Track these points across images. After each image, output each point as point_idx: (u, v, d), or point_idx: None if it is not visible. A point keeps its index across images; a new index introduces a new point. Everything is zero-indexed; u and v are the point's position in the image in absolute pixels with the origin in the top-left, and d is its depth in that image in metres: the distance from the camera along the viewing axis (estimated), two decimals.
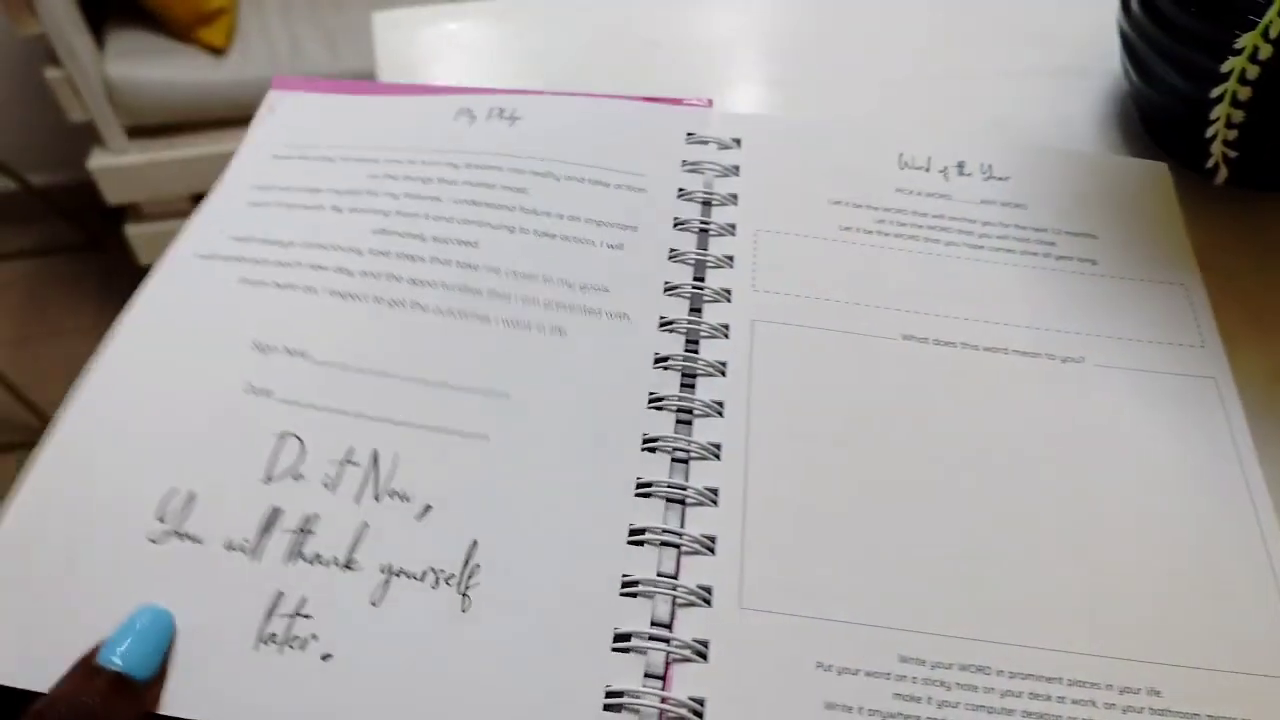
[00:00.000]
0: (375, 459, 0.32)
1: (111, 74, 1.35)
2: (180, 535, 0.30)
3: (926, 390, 0.35)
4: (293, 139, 0.43)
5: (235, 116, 1.42)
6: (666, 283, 0.37)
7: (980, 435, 0.34)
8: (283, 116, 0.44)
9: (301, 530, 0.31)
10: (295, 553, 0.30)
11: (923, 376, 0.35)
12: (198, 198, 1.30)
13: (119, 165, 1.41)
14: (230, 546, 0.30)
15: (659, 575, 0.30)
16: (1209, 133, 0.40)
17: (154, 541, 0.30)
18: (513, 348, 0.35)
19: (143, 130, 1.42)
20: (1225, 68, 0.38)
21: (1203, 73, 0.40)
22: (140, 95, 1.37)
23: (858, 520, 0.32)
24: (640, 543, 0.31)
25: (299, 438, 0.33)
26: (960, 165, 0.42)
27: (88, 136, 1.41)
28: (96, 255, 1.76)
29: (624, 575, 0.30)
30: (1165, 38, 0.42)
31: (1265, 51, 0.37)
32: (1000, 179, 0.42)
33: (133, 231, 1.50)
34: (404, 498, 0.32)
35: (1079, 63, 0.51)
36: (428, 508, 0.31)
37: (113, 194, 1.45)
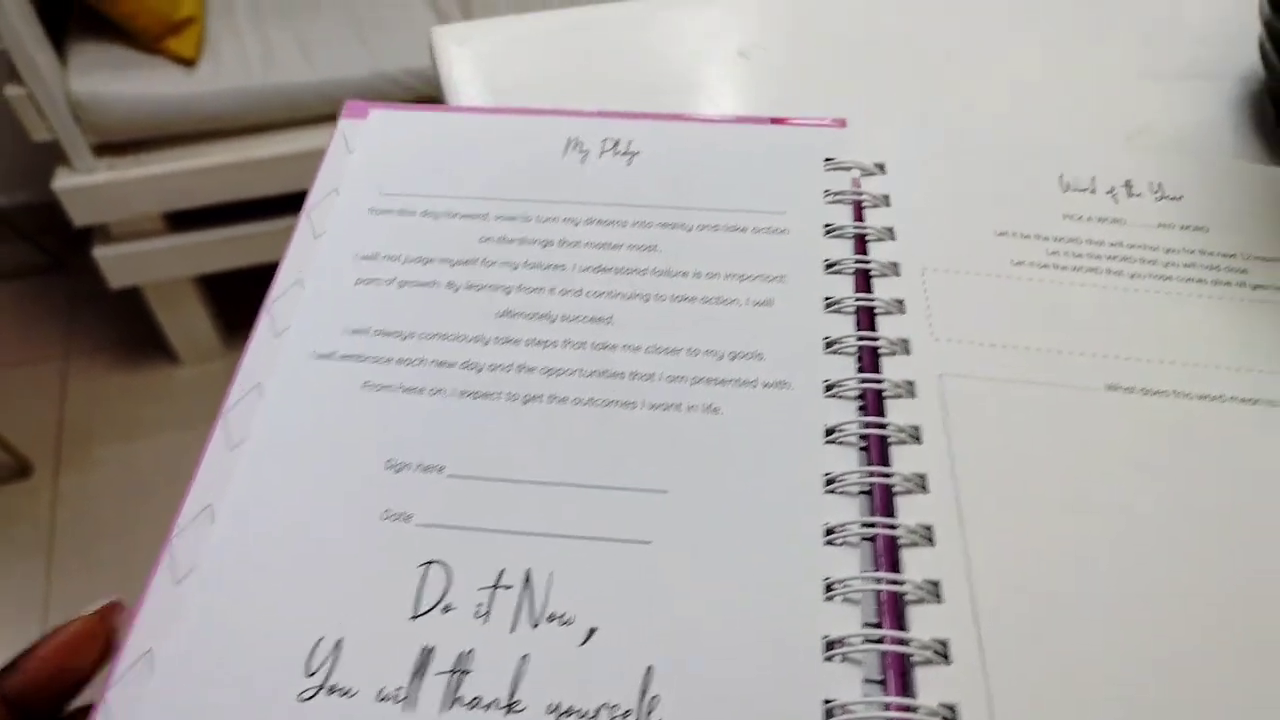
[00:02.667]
0: (528, 579, 0.28)
1: (76, 90, 1.28)
2: (330, 690, 0.25)
3: (1143, 448, 0.31)
4: (385, 184, 0.38)
5: (207, 130, 1.36)
6: (826, 338, 0.33)
7: (1215, 498, 0.30)
8: (366, 153, 0.39)
9: (456, 671, 0.26)
10: (451, 698, 0.26)
11: (1136, 432, 0.31)
12: (170, 217, 1.23)
13: (86, 185, 1.34)
14: (382, 697, 0.25)
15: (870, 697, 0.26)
16: None
17: (305, 699, 0.25)
18: (664, 435, 0.31)
19: (110, 147, 1.34)
20: None
21: None
22: (107, 111, 1.30)
23: (1111, 605, 0.27)
24: (839, 656, 0.26)
25: (445, 564, 0.28)
26: (1128, 185, 0.38)
27: (52, 155, 1.33)
28: (62, 279, 1.68)
29: (825, 699, 0.26)
30: None
31: None
32: (1174, 199, 0.38)
33: (101, 254, 1.42)
34: (565, 621, 0.27)
35: (1205, 63, 0.47)
36: (592, 631, 0.27)
37: (79, 215, 1.37)
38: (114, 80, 1.29)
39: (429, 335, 0.33)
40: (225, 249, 1.46)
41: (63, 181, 1.33)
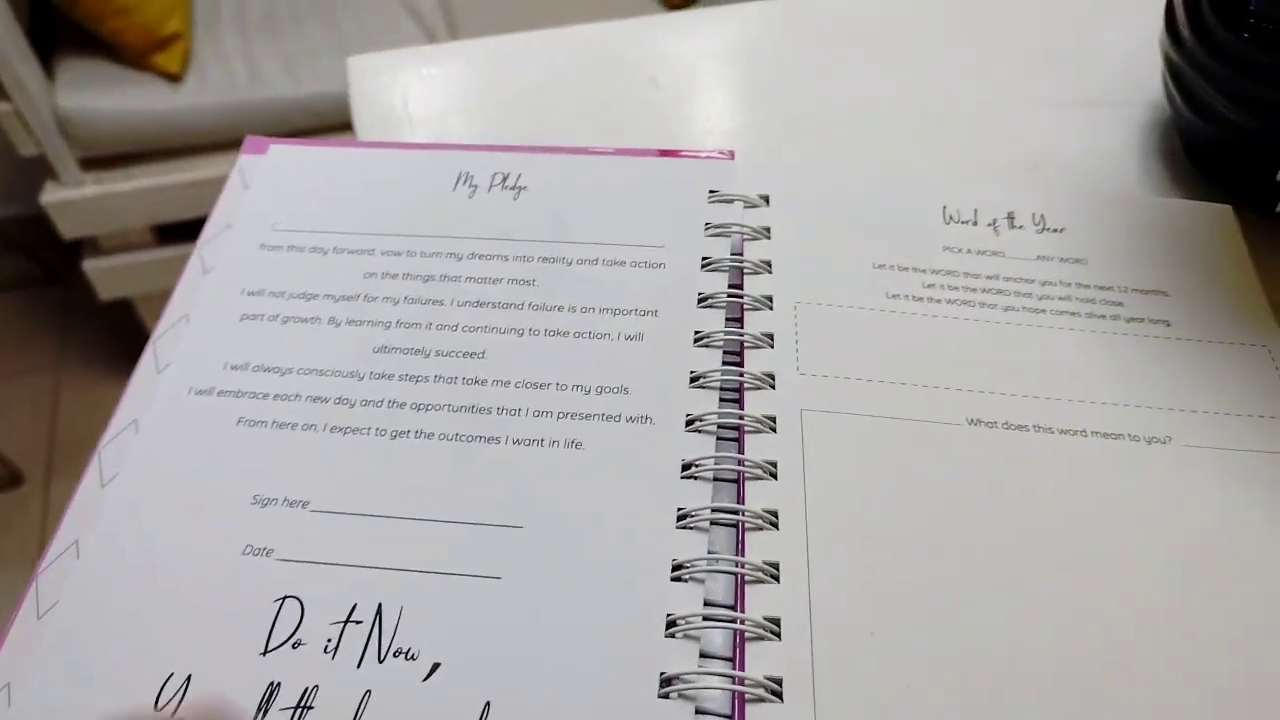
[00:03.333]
0: (379, 614, 0.28)
1: (63, 105, 1.29)
2: None
3: (1001, 483, 0.31)
4: (278, 219, 0.38)
5: (193, 145, 1.37)
6: (692, 373, 0.33)
7: (1068, 536, 0.30)
8: (262, 189, 0.40)
9: (300, 707, 0.27)
10: None
11: (995, 468, 0.31)
12: (158, 230, 1.24)
13: (74, 199, 1.35)
14: None
15: None
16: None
17: None
18: (526, 470, 0.31)
19: (97, 162, 1.36)
20: None
21: (1267, 108, 0.36)
22: (94, 126, 1.31)
23: (947, 648, 0.28)
24: (675, 693, 0.27)
25: (299, 599, 0.28)
26: (1010, 217, 0.38)
27: (40, 169, 1.35)
28: (54, 289, 1.70)
29: None
30: (1221, 68, 0.38)
31: None
32: (1055, 230, 0.38)
33: (91, 266, 1.44)
34: (409, 656, 0.28)
35: (1113, 90, 0.47)
36: (435, 666, 0.27)
37: (68, 229, 1.38)
38: (101, 95, 1.31)
39: (306, 370, 0.34)
40: None
41: (50, 195, 1.35)
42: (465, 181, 0.39)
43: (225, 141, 1.38)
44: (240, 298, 0.36)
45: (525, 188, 0.39)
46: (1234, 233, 0.38)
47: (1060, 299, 0.36)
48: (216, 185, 1.24)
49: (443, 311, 0.35)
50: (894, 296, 0.35)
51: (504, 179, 0.39)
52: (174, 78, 1.34)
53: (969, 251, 0.37)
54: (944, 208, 0.38)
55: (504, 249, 0.37)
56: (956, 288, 0.36)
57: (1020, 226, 0.38)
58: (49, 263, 1.67)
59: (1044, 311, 0.35)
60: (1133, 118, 0.46)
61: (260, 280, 0.37)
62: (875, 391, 0.33)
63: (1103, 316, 0.36)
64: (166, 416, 0.33)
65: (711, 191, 0.38)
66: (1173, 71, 0.42)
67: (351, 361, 0.34)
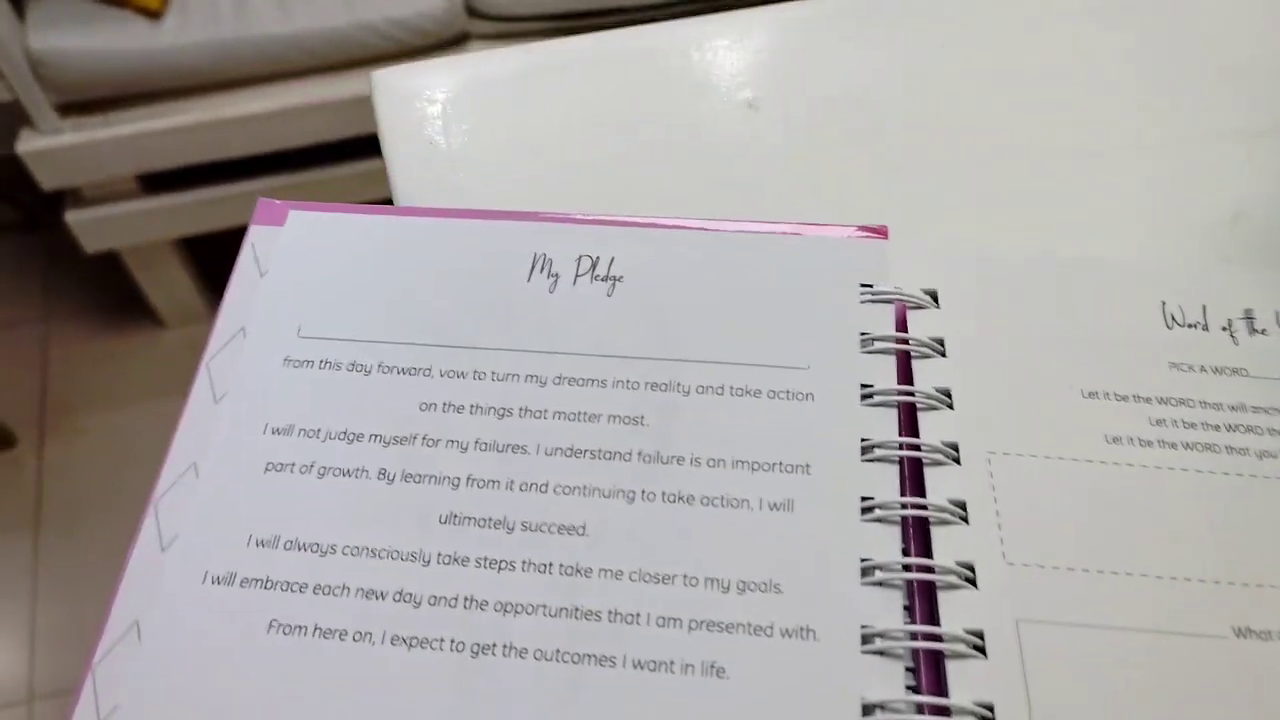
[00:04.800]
0: None
1: (35, 46, 1.18)
2: None
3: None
4: (303, 320, 0.30)
5: (178, 87, 1.26)
6: (864, 562, 0.25)
7: None
8: (281, 277, 0.31)
9: None
10: None
11: (1271, 694, 0.24)
12: (143, 179, 1.14)
13: (52, 147, 1.25)
14: None
15: None
16: None
17: None
18: (652, 704, 0.23)
19: (76, 107, 1.25)
20: None
21: None
22: (69, 68, 1.20)
23: None
24: None
25: None
26: (1248, 316, 0.30)
27: (15, 116, 1.24)
28: (39, 236, 1.60)
29: None
30: None
31: None
32: None
33: (73, 218, 1.34)
34: None
35: None
36: None
37: (48, 178, 1.28)
38: (75, 35, 1.19)
39: (355, 550, 0.26)
40: (203, 211, 1.37)
41: (27, 144, 1.24)
42: (543, 269, 0.30)
43: (212, 83, 1.27)
44: (263, 439, 0.28)
45: (620, 278, 0.30)
46: None
47: None
48: (204, 131, 1.14)
49: (527, 463, 0.27)
50: (1115, 441, 0.27)
51: (593, 265, 0.30)
52: (153, 14, 1.23)
53: (1203, 370, 0.29)
54: (1163, 305, 0.30)
55: (601, 369, 0.28)
56: (1194, 424, 0.28)
57: (1263, 330, 0.30)
58: (31, 208, 1.56)
59: None
60: None
61: (287, 413, 0.28)
62: (1110, 590, 0.25)
63: None
64: (173, 618, 0.25)
65: (864, 286, 0.30)
66: None
67: (413, 536, 0.26)
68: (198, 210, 1.37)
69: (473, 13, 1.28)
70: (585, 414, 0.28)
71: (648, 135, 0.37)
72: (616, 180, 0.35)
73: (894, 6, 0.42)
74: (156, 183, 1.34)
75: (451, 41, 1.28)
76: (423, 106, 0.38)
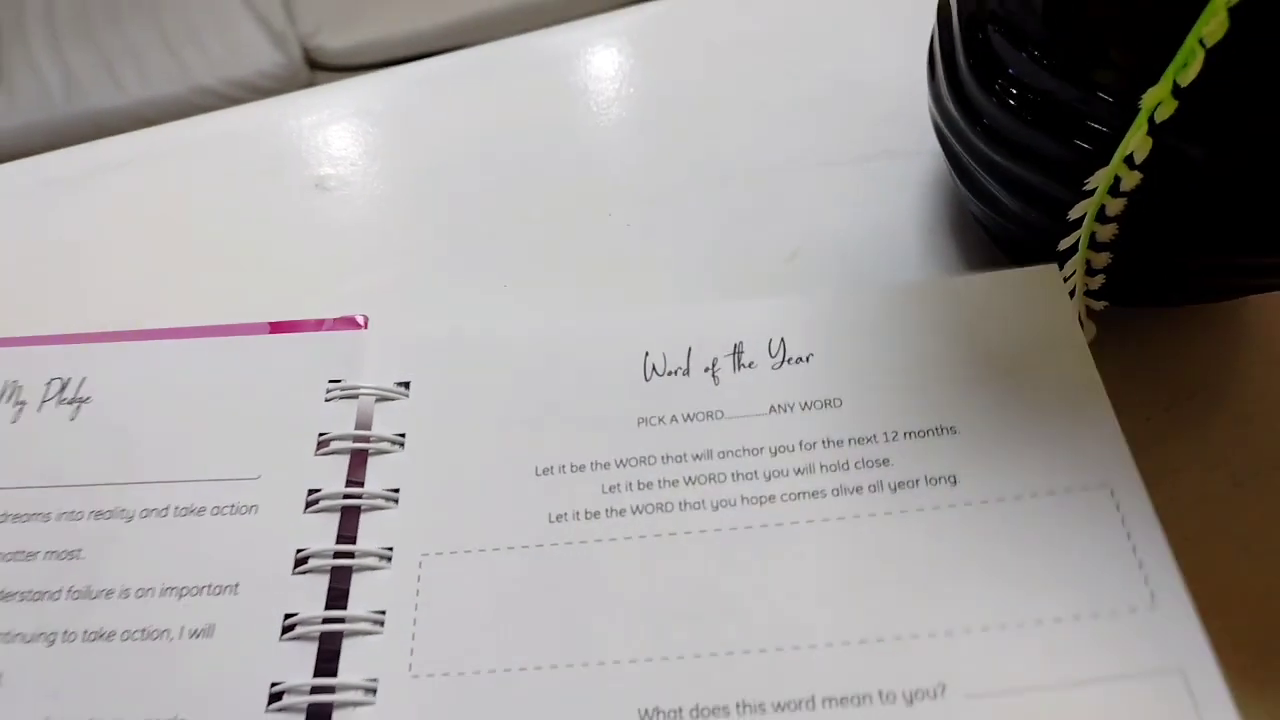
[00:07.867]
0: None
1: None
2: None
3: None
4: None
5: None
6: (274, 685, 0.24)
7: None
8: None
9: None
10: None
11: None
12: None
13: None
14: None
15: None
16: (1064, 274, 0.27)
17: None
18: None
19: None
20: (1075, 213, 0.25)
21: (1047, 201, 0.26)
22: None
23: None
24: None
25: None
26: (737, 350, 0.28)
27: None
28: None
29: None
30: (994, 150, 0.28)
31: (1130, 180, 0.23)
32: (798, 360, 0.28)
33: None
34: None
35: (887, 140, 0.37)
36: None
37: None
38: None
39: None
40: None
41: None
42: (10, 397, 0.29)
43: None
44: None
45: (87, 399, 0.29)
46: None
47: (796, 473, 0.26)
48: None
49: None
50: (558, 519, 0.26)
51: (62, 387, 0.29)
52: None
53: (673, 420, 0.27)
54: (645, 356, 0.28)
55: (47, 502, 0.27)
56: (649, 484, 0.26)
57: (750, 364, 0.28)
58: None
59: (773, 499, 0.26)
60: (912, 175, 0.36)
61: None
62: (513, 688, 0.23)
63: (858, 490, 0.26)
64: None
65: (333, 382, 0.28)
66: (943, 142, 0.31)
67: None
68: None
69: (314, 65, 1.26)
70: (23, 553, 0.26)
71: (210, 218, 0.36)
72: (145, 284, 0.34)
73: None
74: None
75: None
76: None
